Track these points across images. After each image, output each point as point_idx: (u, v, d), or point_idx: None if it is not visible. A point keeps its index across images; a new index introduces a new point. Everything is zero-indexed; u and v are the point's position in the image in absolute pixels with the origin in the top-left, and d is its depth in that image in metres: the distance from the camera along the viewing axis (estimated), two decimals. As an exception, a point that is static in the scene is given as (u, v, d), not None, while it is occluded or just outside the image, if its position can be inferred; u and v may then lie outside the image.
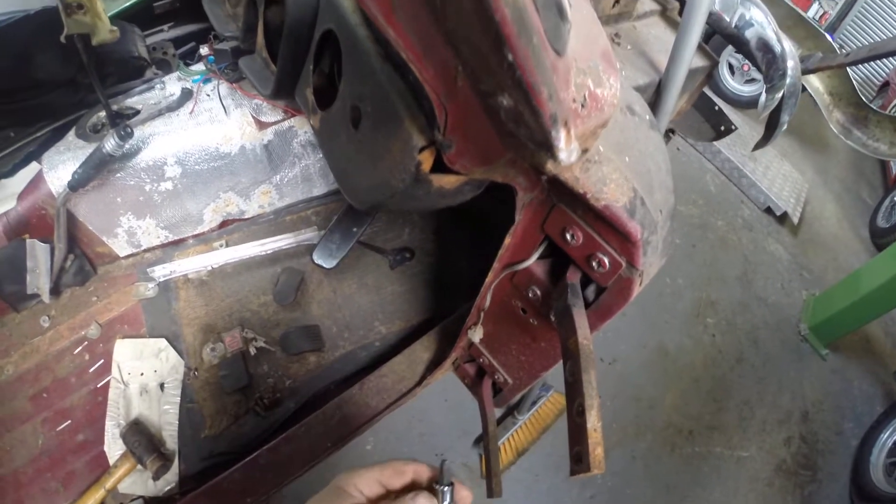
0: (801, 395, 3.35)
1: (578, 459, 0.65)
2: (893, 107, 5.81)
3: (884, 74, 7.03)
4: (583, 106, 0.51)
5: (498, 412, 2.30)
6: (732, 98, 5.18)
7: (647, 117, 0.84)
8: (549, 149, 0.44)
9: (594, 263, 0.78)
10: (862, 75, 7.92)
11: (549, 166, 0.49)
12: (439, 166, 0.69)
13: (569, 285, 0.82)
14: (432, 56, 0.44)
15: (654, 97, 1.05)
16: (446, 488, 0.64)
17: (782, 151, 5.13)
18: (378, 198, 0.80)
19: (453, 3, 0.33)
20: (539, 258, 0.90)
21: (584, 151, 0.57)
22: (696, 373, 3.08)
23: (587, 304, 0.86)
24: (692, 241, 3.80)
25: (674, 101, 1.01)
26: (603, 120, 0.54)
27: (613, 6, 1.04)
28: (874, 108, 1.82)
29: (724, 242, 3.96)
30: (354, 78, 0.81)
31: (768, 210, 4.40)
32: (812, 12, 8.12)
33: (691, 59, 0.98)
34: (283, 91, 1.07)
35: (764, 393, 3.22)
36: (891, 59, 7.50)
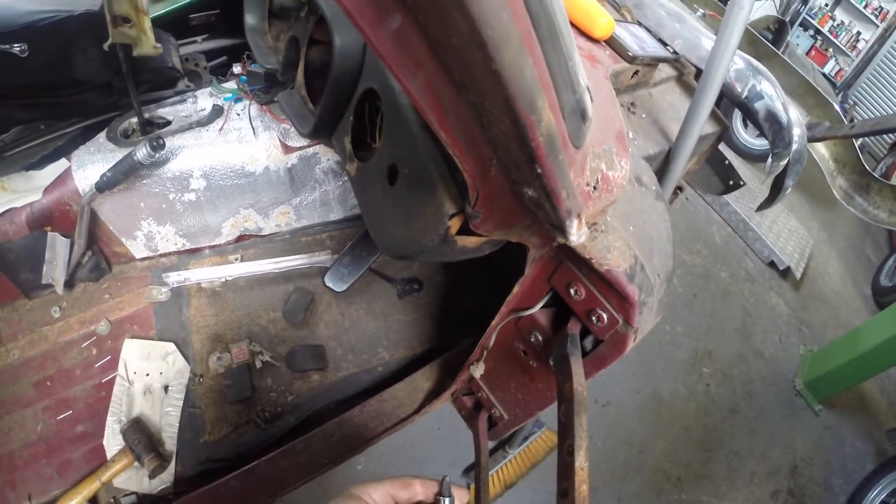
0: (791, 449, 3.35)
1: (564, 494, 0.71)
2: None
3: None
4: (595, 188, 0.56)
5: (490, 444, 2.32)
6: (744, 151, 5.23)
7: (654, 188, 0.90)
8: (562, 232, 0.50)
9: (594, 318, 0.83)
10: (874, 134, 7.96)
11: (561, 240, 0.54)
12: (464, 228, 0.74)
13: (569, 335, 0.87)
14: (473, 151, 0.50)
15: (664, 164, 1.10)
16: (447, 500, 0.70)
17: (790, 206, 5.17)
18: (408, 251, 0.85)
19: (497, 123, 0.38)
20: (543, 307, 0.95)
21: (593, 225, 0.63)
22: (688, 421, 3.09)
23: (584, 353, 0.91)
24: (694, 291, 3.82)
25: (681, 169, 1.06)
26: (612, 200, 0.60)
27: (632, 77, 1.09)
28: (876, 176, 1.86)
29: (725, 294, 3.98)
30: (394, 140, 0.87)
31: (772, 264, 4.42)
32: (828, 69, 8.24)
33: (700, 130, 1.02)
34: (321, 133, 1.12)
35: (754, 445, 3.22)
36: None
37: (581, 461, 0.72)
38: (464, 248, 0.78)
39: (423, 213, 0.77)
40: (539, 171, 0.43)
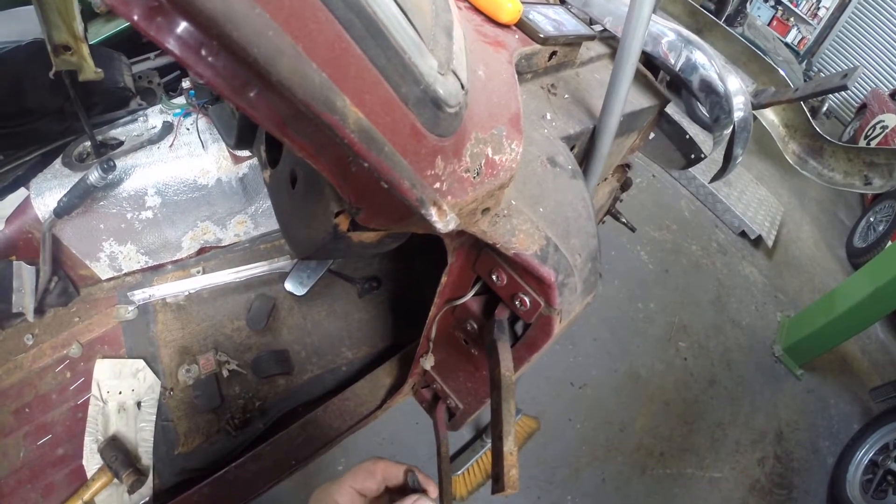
0: (775, 415, 3.36)
1: (496, 479, 0.73)
2: (870, 127, 5.92)
3: (861, 97, 7.18)
4: (477, 174, 0.59)
5: (467, 435, 2.34)
6: (706, 123, 5.25)
7: (570, 167, 0.91)
8: (426, 222, 0.52)
9: (517, 302, 0.86)
10: (840, 98, 8.11)
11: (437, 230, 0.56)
12: (360, 225, 0.77)
13: (496, 321, 0.90)
14: (325, 153, 0.52)
15: (589, 142, 1.09)
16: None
17: (759, 175, 5.20)
18: (309, 250, 0.88)
19: (321, 124, 0.41)
20: (476, 294, 0.98)
21: (486, 210, 0.65)
22: (667, 396, 3.10)
23: (517, 339, 0.94)
24: (665, 266, 3.82)
25: (608, 145, 1.05)
26: (500, 183, 0.63)
27: (550, 59, 1.08)
28: (829, 138, 1.87)
29: (697, 267, 3.99)
30: None
31: (743, 234, 4.45)
32: (791, 38, 8.33)
33: (623, 105, 1.00)
34: (244, 143, 1.15)
35: (737, 414, 3.23)
36: (867, 82, 7.69)
37: (510, 446, 0.74)
38: (362, 244, 0.81)
39: (315, 212, 0.80)
40: (366, 165, 0.45)
